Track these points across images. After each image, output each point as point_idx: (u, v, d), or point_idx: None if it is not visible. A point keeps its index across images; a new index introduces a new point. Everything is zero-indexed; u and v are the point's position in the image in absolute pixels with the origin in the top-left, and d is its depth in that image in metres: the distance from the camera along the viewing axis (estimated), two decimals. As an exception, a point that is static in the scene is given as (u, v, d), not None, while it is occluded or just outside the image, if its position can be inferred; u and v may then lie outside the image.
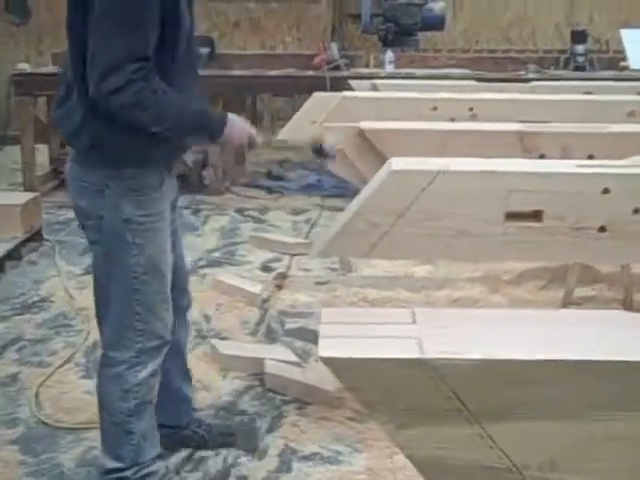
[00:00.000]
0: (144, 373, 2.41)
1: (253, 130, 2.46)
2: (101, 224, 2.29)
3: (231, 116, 2.39)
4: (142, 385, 2.42)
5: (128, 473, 2.46)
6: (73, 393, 3.16)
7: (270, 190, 6.57)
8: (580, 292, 4.05)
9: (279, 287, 4.31)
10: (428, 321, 1.32)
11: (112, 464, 2.47)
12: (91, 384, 3.22)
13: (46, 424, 2.96)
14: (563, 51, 6.61)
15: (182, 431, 2.81)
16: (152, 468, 2.51)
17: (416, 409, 1.26)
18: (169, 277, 2.43)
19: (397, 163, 2.38)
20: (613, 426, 1.29)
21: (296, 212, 5.96)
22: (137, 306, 2.35)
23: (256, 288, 4.17)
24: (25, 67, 6.59)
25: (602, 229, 2.44)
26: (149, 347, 2.40)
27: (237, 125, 2.40)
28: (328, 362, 1.20)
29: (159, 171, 2.35)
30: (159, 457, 2.56)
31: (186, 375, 2.81)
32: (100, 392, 2.49)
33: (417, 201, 2.36)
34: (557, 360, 1.23)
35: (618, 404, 1.28)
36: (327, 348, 1.22)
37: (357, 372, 1.21)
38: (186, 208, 6.00)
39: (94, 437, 2.85)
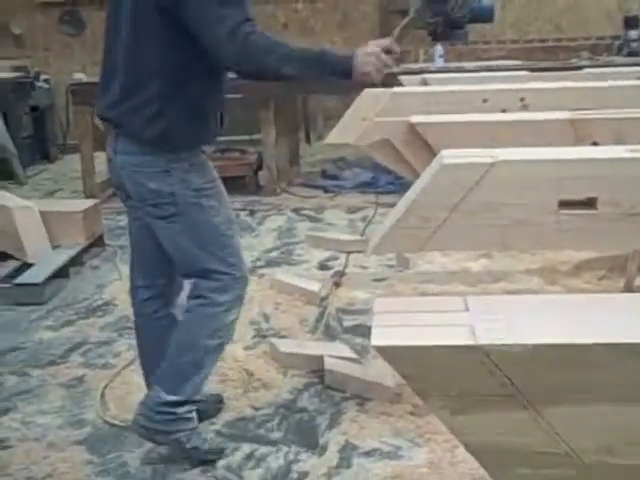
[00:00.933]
0: (232, 317, 2.72)
1: (386, 46, 2.48)
2: (174, 200, 2.57)
3: (359, 51, 2.44)
4: (229, 328, 2.74)
5: (180, 410, 2.69)
6: (137, 394, 3.20)
7: (325, 189, 6.61)
8: (641, 281, 3.99)
9: (337, 285, 4.33)
10: (481, 308, 1.33)
11: (170, 397, 2.67)
12: (154, 384, 3.31)
13: (112, 424, 3.02)
14: (616, 37, 6.50)
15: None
16: (194, 413, 2.75)
17: (470, 395, 1.26)
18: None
19: (448, 156, 2.38)
20: (671, 409, 1.28)
21: (352, 210, 5.98)
22: (230, 258, 2.67)
23: (314, 286, 4.20)
24: (81, 77, 6.75)
25: (659, 214, 2.41)
26: (242, 295, 2.74)
27: (366, 55, 2.44)
28: (381, 351, 1.22)
29: (201, 151, 2.67)
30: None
31: None
32: (187, 329, 2.72)
33: (470, 193, 2.36)
34: (611, 344, 1.22)
35: (675, 386, 1.27)
36: (380, 337, 1.24)
37: (410, 360, 1.23)
38: (242, 210, 6.07)
39: (159, 435, 2.93)
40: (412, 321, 1.29)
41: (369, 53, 2.44)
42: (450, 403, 1.27)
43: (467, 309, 1.33)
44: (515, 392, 1.25)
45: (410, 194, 2.43)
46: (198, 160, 2.63)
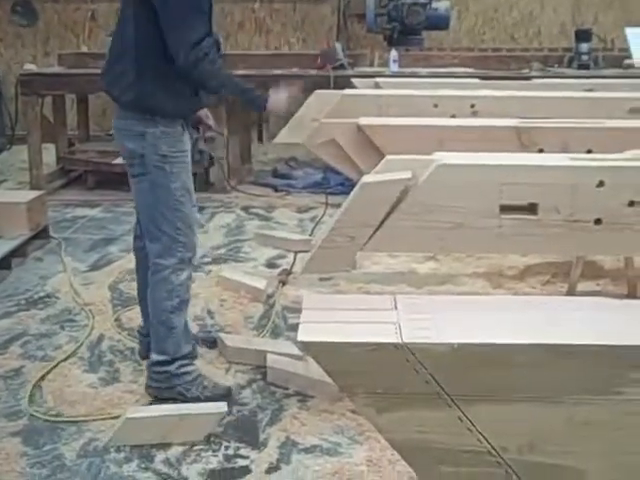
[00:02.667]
0: (183, 276, 3.06)
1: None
2: (144, 161, 2.97)
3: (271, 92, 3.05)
4: (182, 286, 3.07)
5: (171, 368, 3.06)
6: (76, 387, 3.18)
7: (276, 188, 6.59)
8: (584, 287, 4.05)
9: (283, 283, 4.33)
10: (408, 307, 1.34)
11: (158, 357, 3.08)
12: (94, 377, 3.27)
13: (48, 417, 2.98)
14: (568, 50, 6.59)
15: None
16: (189, 368, 3.11)
17: (395, 393, 1.27)
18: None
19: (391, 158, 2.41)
20: (591, 410, 1.31)
21: (301, 210, 5.98)
22: (178, 222, 3.01)
23: (260, 284, 4.19)
24: (32, 67, 6.66)
25: (598, 221, 2.46)
26: (187, 257, 3.07)
27: (276, 98, 3.03)
28: (307, 346, 1.23)
29: (180, 121, 3.03)
30: (193, 357, 3.17)
31: None
32: (151, 297, 3.10)
33: (412, 194, 2.38)
34: (531, 344, 1.25)
35: (596, 388, 1.30)
36: (306, 332, 1.24)
37: (336, 356, 1.23)
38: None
39: (96, 429, 2.90)
40: (340, 318, 1.29)
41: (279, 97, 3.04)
42: (375, 401, 1.28)
43: (395, 308, 1.34)
44: (439, 390, 1.27)
45: (336, 214, 2.45)
46: (172, 130, 2.98)
